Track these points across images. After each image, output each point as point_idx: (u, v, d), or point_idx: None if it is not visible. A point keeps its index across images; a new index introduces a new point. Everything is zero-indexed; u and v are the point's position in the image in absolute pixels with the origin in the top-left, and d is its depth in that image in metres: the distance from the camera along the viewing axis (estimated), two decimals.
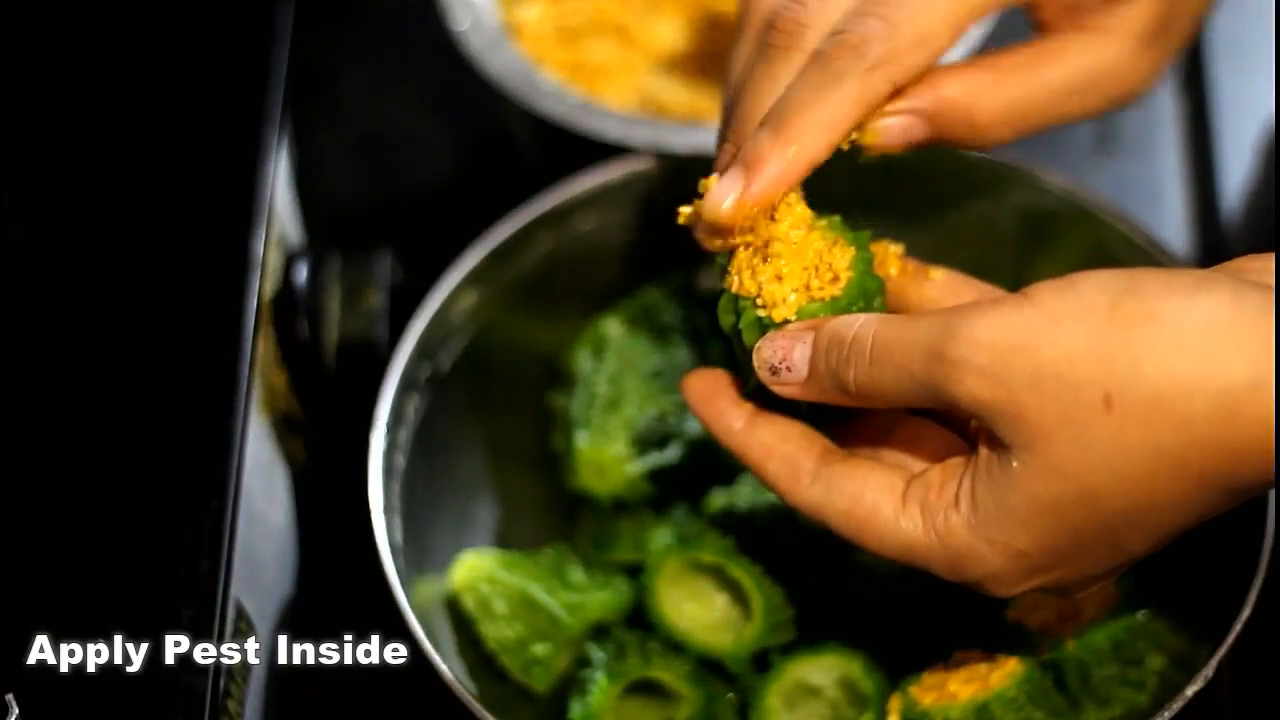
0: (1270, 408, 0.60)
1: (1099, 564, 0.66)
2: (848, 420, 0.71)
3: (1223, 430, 0.61)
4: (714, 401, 0.72)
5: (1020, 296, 0.64)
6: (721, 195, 0.70)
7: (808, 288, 0.70)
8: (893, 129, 0.72)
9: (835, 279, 0.70)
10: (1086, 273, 0.63)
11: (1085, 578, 0.67)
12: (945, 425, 0.70)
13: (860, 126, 0.71)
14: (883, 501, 0.67)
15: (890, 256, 0.72)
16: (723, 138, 0.72)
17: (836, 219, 0.71)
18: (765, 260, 0.70)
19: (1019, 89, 0.72)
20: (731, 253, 0.71)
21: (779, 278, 0.70)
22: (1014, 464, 0.64)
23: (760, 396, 0.71)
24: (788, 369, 0.68)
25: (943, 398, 0.64)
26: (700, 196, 0.71)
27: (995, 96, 0.72)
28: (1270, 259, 0.65)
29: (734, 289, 0.71)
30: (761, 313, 0.70)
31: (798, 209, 0.71)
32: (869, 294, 0.70)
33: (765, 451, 0.70)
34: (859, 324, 0.67)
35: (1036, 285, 0.64)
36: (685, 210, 0.72)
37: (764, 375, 0.69)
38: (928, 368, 0.64)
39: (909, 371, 0.65)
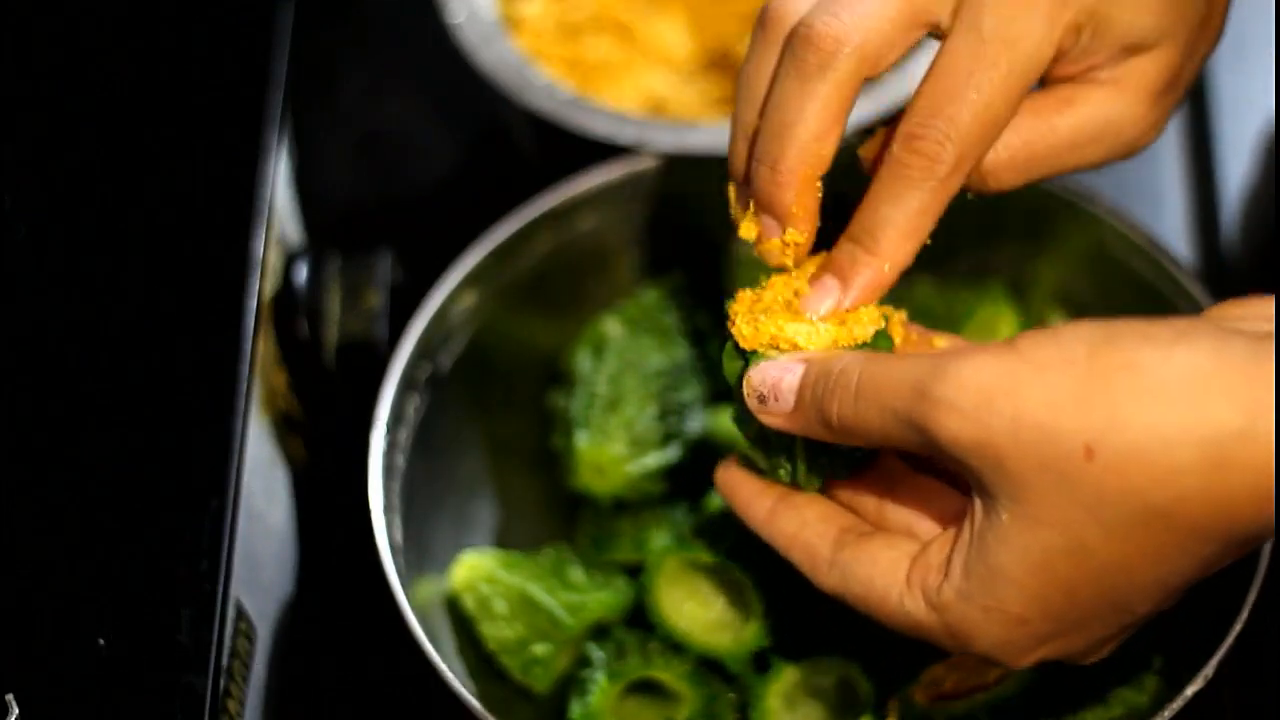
0: (1264, 455, 0.59)
1: (1105, 626, 0.65)
2: (852, 473, 0.72)
3: (1212, 482, 0.60)
4: (740, 491, 0.73)
5: (1005, 343, 0.63)
6: (819, 303, 0.71)
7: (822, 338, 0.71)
8: None
9: (851, 336, 0.71)
10: (1069, 323, 0.63)
11: (1095, 642, 0.66)
12: (948, 484, 0.70)
13: None
14: (890, 586, 0.68)
15: (894, 323, 0.72)
16: (753, 157, 0.72)
17: None
18: (781, 310, 0.71)
19: (1027, 138, 0.71)
20: (735, 301, 0.72)
21: (793, 325, 0.71)
22: (1003, 516, 0.63)
23: (763, 441, 0.72)
24: (775, 398, 0.69)
25: (926, 438, 0.64)
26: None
27: (1004, 145, 0.71)
28: (1253, 304, 0.65)
29: (742, 335, 0.71)
30: (773, 353, 0.70)
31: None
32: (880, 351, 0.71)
33: (788, 541, 0.71)
34: (847, 359, 0.67)
35: (1021, 334, 0.63)
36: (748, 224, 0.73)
37: (752, 403, 0.69)
38: (911, 406, 0.64)
39: (893, 409, 0.64)
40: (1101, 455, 0.61)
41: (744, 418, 0.71)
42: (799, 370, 0.68)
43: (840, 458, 0.71)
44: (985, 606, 0.65)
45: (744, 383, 0.70)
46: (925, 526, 0.69)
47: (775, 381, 0.69)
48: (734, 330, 0.71)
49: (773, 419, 0.69)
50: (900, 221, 0.70)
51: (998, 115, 0.69)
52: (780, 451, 0.72)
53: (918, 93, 0.70)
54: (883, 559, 0.68)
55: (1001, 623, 0.65)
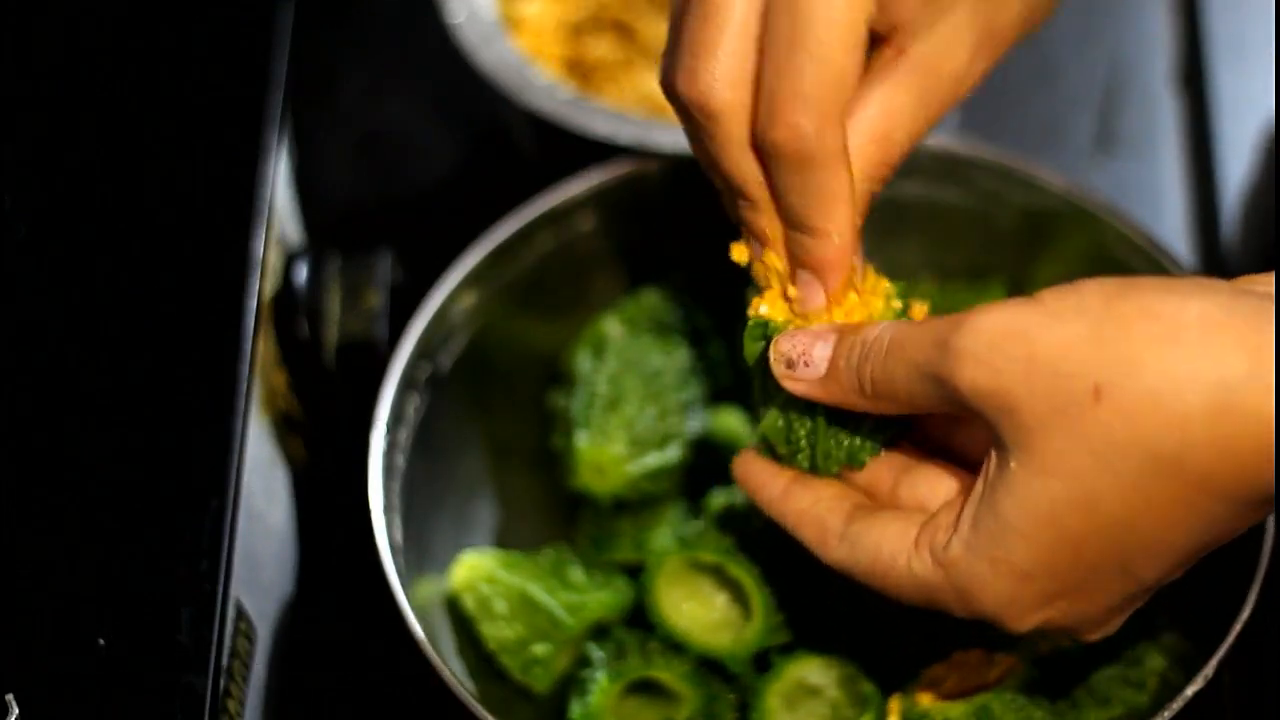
0: (1269, 404, 0.59)
1: (1110, 592, 0.65)
2: (870, 459, 0.72)
3: (1220, 427, 0.60)
4: (756, 474, 0.74)
5: (1026, 297, 0.64)
6: (815, 300, 0.71)
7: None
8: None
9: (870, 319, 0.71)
10: (1090, 278, 0.64)
11: (1098, 611, 0.66)
12: (964, 468, 0.71)
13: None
14: (898, 551, 0.68)
15: (916, 313, 0.73)
16: (748, 228, 0.72)
17: (873, 268, 0.72)
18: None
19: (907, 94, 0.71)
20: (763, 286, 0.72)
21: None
22: (1011, 465, 0.64)
23: (783, 424, 0.72)
24: (805, 364, 0.69)
25: (948, 391, 0.64)
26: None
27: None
28: (1269, 275, 0.65)
29: (768, 313, 0.72)
30: (801, 322, 0.71)
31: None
32: None
33: (798, 517, 0.72)
34: (879, 326, 0.68)
35: (1043, 289, 0.64)
36: (739, 247, 0.73)
37: (778, 369, 0.70)
38: (933, 358, 0.65)
39: (918, 364, 0.65)
40: (1110, 397, 0.61)
41: (764, 399, 0.71)
42: (832, 338, 0.69)
43: (859, 441, 0.71)
44: (992, 558, 0.65)
45: (771, 349, 0.70)
46: (938, 502, 0.70)
47: (807, 347, 0.69)
48: (760, 306, 0.72)
49: (800, 385, 0.70)
50: (817, 196, 0.69)
51: (831, 57, 0.67)
52: (799, 435, 0.72)
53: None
54: (892, 528, 0.69)
55: (1007, 576, 0.65)
